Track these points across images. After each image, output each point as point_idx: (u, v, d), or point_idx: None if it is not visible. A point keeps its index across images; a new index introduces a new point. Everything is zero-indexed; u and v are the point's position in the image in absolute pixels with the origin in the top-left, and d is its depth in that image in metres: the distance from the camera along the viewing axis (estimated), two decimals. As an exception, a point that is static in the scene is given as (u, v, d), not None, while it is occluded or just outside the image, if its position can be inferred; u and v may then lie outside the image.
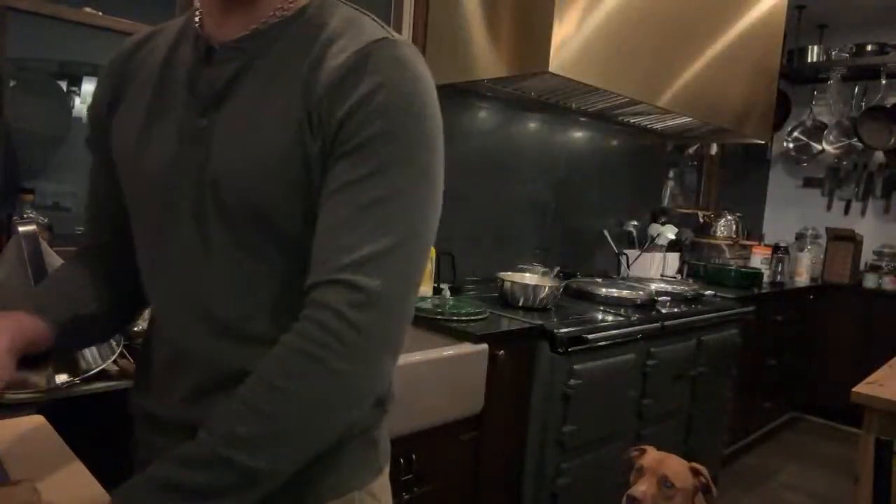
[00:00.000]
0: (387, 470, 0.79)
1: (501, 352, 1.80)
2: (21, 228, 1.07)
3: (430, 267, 2.20)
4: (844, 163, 4.37)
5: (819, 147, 4.41)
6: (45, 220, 1.44)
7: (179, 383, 0.72)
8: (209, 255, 0.68)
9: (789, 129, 4.55)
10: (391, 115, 0.62)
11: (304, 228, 0.65)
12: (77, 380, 1.05)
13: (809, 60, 4.25)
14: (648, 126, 2.92)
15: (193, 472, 0.56)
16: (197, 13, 0.72)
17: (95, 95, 0.80)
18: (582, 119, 2.87)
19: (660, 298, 2.57)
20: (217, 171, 0.66)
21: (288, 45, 0.67)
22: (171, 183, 0.69)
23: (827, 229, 4.21)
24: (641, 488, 1.58)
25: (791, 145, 4.55)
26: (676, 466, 1.62)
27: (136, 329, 1.23)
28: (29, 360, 0.69)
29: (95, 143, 0.80)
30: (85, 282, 0.80)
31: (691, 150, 3.89)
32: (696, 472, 1.64)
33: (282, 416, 0.57)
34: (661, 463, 1.62)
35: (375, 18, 0.70)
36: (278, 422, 0.57)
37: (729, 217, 3.95)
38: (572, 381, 1.93)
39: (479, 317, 1.93)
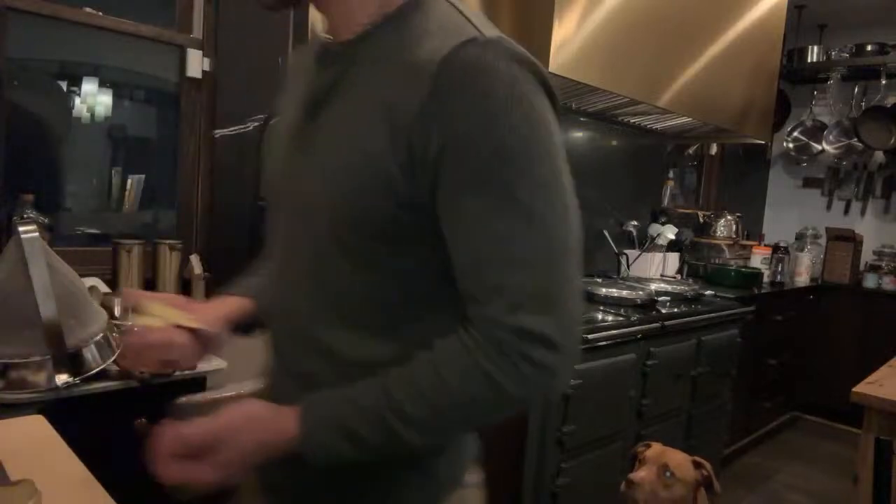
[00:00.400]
0: (452, 499, 0.75)
1: (501, 352, 1.80)
2: (21, 228, 1.07)
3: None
4: (844, 163, 4.37)
5: (819, 147, 4.41)
6: (46, 220, 1.44)
7: (274, 372, 0.79)
8: (295, 251, 0.73)
9: (789, 129, 4.55)
10: (496, 133, 0.59)
11: (376, 245, 0.65)
12: (77, 380, 1.05)
13: (809, 60, 4.25)
14: (648, 126, 2.92)
15: (363, 424, 0.63)
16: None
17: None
18: (582, 119, 2.86)
19: (660, 298, 2.57)
20: (310, 177, 0.68)
21: (382, 50, 0.65)
22: (278, 183, 0.76)
23: (827, 229, 4.21)
24: (641, 474, 1.59)
25: (791, 145, 4.55)
26: (678, 458, 1.63)
27: (136, 329, 1.23)
28: (240, 328, 0.85)
29: None
30: None
31: (691, 150, 3.89)
32: (698, 465, 1.64)
33: (446, 416, 0.63)
34: (663, 454, 1.64)
35: (465, 11, 0.66)
36: (440, 419, 0.63)
37: (729, 217, 3.95)
38: (572, 381, 1.93)
39: (479, 317, 1.93)
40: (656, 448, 1.68)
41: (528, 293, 0.60)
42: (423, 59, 0.60)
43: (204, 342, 0.79)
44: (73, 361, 1.05)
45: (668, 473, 1.60)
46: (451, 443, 0.75)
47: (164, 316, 0.76)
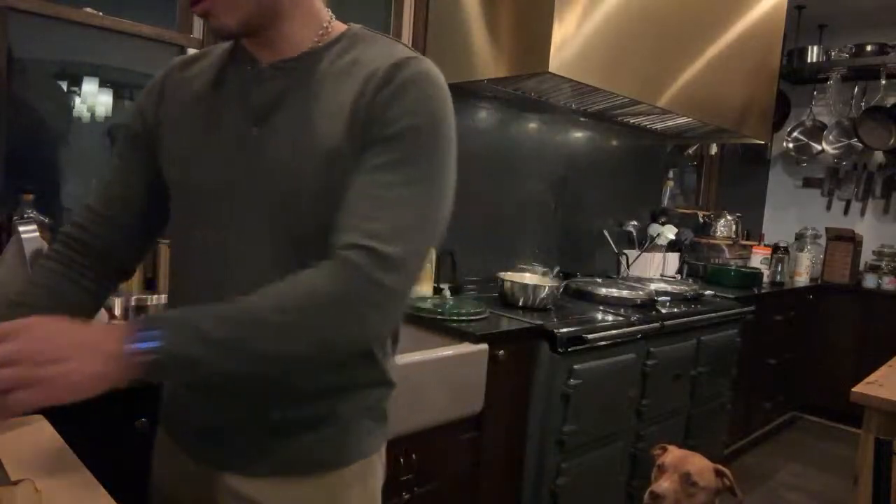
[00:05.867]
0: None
1: (501, 352, 1.80)
2: (21, 228, 1.07)
3: (429, 267, 2.20)
4: (844, 163, 4.37)
5: (819, 147, 4.41)
6: (46, 220, 1.44)
7: None
8: (239, 241, 0.80)
9: (789, 129, 4.55)
10: (419, 115, 0.75)
11: (314, 216, 0.76)
12: (77, 380, 1.05)
13: (809, 60, 4.25)
14: (648, 126, 2.91)
15: (214, 322, 0.67)
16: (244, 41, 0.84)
17: (139, 105, 0.91)
18: (582, 119, 2.86)
19: (660, 298, 2.57)
20: (267, 167, 0.78)
21: (330, 65, 0.80)
22: (224, 184, 0.81)
23: (827, 229, 4.21)
24: (665, 485, 1.57)
25: (791, 145, 4.55)
26: (700, 464, 1.62)
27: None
28: None
29: (132, 144, 0.91)
30: (63, 271, 0.90)
31: (691, 151, 3.89)
32: (719, 473, 1.63)
33: (302, 329, 0.70)
34: (684, 461, 1.62)
35: (404, 43, 0.85)
36: (297, 331, 0.69)
37: (729, 217, 3.95)
38: (572, 381, 1.93)
39: (479, 317, 1.93)
40: (676, 453, 1.66)
41: (398, 231, 0.73)
42: (377, 66, 0.76)
43: None
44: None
45: (691, 482, 1.58)
46: (390, 395, 0.90)
47: None
